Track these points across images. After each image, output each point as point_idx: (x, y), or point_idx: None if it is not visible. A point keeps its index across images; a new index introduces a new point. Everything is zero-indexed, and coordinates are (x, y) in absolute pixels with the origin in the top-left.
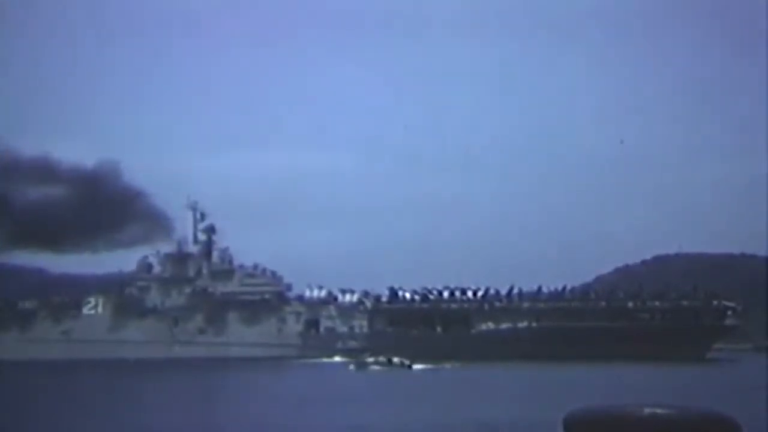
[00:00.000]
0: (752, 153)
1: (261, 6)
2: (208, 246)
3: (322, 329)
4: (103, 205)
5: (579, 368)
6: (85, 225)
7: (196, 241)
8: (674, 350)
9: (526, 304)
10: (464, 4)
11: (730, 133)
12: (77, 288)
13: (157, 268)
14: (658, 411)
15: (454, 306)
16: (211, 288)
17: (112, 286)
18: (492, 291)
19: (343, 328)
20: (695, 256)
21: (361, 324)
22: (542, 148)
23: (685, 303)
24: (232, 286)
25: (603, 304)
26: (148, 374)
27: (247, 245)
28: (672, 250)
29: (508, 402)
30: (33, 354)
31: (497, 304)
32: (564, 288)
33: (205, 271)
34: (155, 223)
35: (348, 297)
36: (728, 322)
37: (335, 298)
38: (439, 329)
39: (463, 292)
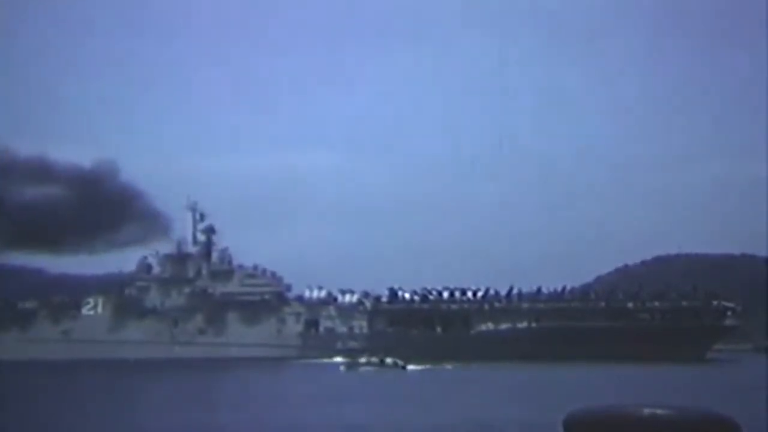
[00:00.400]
0: (752, 153)
1: (261, 6)
2: (208, 246)
3: (321, 330)
4: (102, 206)
5: (579, 368)
6: (84, 225)
7: (195, 241)
8: (674, 350)
9: (525, 305)
10: (464, 4)
11: (730, 133)
12: (77, 288)
13: (156, 269)
14: (658, 411)
15: (453, 306)
16: (210, 288)
17: (111, 286)
18: (492, 291)
19: (342, 329)
20: (695, 256)
21: (360, 324)
22: (542, 149)
23: (685, 303)
24: (231, 287)
25: (603, 304)
26: (148, 374)
27: (246, 245)
28: (672, 250)
29: (508, 402)
30: (33, 354)
31: (497, 304)
32: (564, 288)
33: (204, 271)
34: (155, 223)
35: (348, 297)
36: (728, 322)
37: (335, 299)
38: (438, 330)
39: (463, 292)
